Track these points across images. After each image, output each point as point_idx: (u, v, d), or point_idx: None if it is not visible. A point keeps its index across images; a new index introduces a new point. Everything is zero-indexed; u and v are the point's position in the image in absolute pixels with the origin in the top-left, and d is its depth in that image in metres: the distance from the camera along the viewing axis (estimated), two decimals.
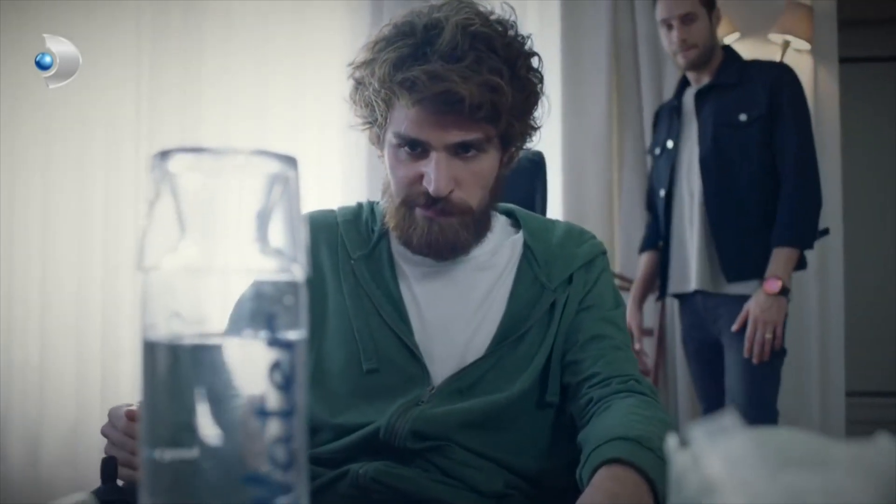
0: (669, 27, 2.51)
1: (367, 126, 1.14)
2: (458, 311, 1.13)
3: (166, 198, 0.42)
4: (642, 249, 2.78)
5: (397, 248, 1.17)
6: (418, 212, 1.10)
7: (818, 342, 3.40)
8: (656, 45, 3.24)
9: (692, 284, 2.52)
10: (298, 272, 0.43)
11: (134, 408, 0.94)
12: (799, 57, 3.38)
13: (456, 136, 1.05)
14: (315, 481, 1.06)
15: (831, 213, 3.19)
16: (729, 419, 0.34)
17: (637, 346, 2.65)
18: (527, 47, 1.10)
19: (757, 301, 2.35)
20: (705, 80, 2.54)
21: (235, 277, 0.42)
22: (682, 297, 2.64)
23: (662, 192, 2.60)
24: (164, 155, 0.42)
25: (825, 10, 3.47)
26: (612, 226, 3.43)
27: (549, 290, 1.14)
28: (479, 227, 1.14)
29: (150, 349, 0.41)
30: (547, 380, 1.11)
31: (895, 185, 4.86)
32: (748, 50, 3.03)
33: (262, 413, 0.41)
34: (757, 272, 2.40)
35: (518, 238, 1.20)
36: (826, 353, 3.41)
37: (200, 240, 0.42)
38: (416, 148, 1.07)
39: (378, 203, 1.22)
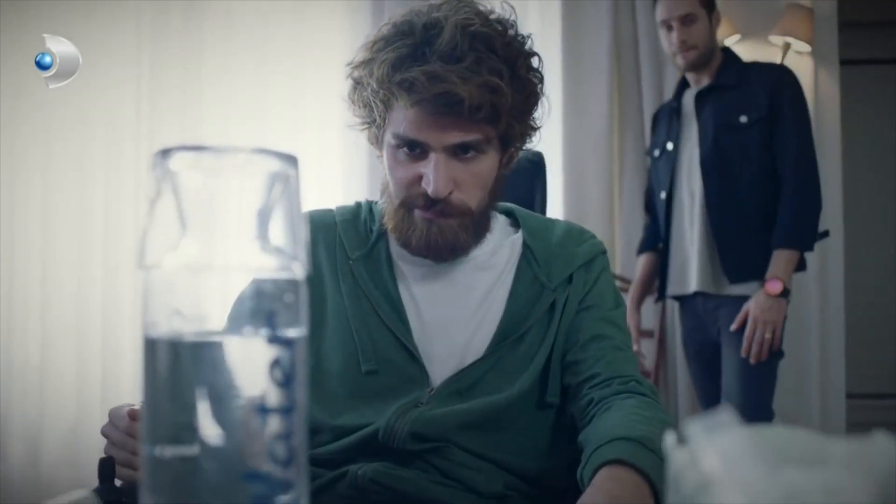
0: (669, 28, 2.51)
1: (366, 126, 1.13)
2: (457, 312, 1.13)
3: (167, 196, 0.42)
4: (640, 251, 2.79)
5: (396, 248, 1.16)
6: (417, 213, 1.09)
7: (818, 344, 3.40)
8: (657, 46, 3.24)
9: (692, 286, 2.52)
10: (299, 270, 0.43)
11: (136, 407, 0.93)
12: (799, 59, 3.38)
13: (455, 138, 1.05)
14: (314, 482, 1.05)
15: (832, 215, 3.19)
16: (726, 415, 0.34)
17: (635, 348, 2.65)
18: (527, 47, 1.09)
19: (757, 301, 2.36)
20: (705, 81, 2.54)
21: (236, 275, 0.42)
22: (682, 299, 2.64)
23: (663, 194, 2.61)
24: (166, 153, 0.42)
25: (825, 12, 3.47)
26: (612, 226, 3.44)
27: (549, 289, 1.13)
28: (478, 229, 1.13)
29: (151, 346, 0.42)
30: (547, 380, 1.11)
31: (895, 187, 4.86)
32: (749, 52, 3.04)
33: (263, 410, 0.41)
34: (757, 273, 2.40)
35: (517, 237, 1.19)
36: (826, 354, 3.41)
37: (201, 238, 0.42)
38: (414, 149, 1.06)
39: (377, 203, 1.21)
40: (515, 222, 1.23)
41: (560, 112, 3.38)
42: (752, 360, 2.36)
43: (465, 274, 1.15)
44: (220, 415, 0.41)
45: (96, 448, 0.99)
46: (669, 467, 0.38)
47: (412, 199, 1.09)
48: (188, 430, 0.40)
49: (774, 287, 2.34)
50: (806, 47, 3.40)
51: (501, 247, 1.18)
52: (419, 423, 1.04)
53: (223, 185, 0.43)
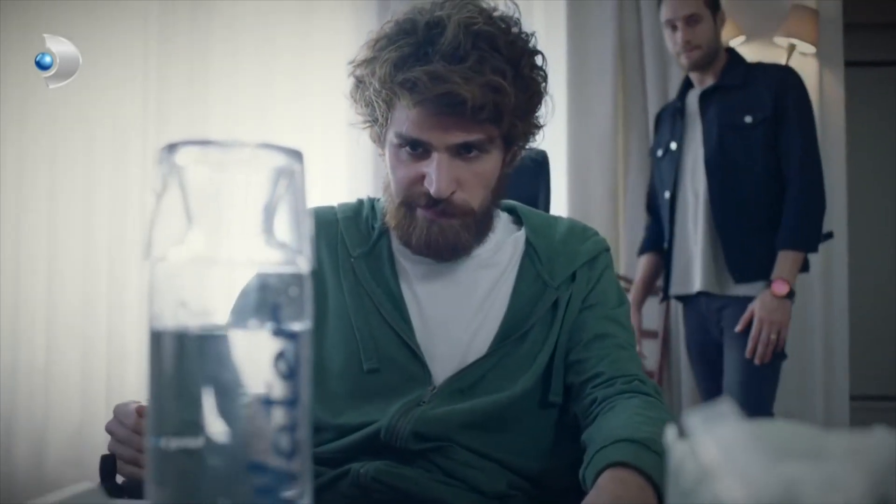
0: (674, 28, 2.51)
1: (368, 125, 1.13)
2: (459, 310, 1.12)
3: (174, 190, 0.42)
4: (641, 251, 2.79)
5: (398, 245, 1.16)
6: (419, 212, 1.08)
7: (822, 345, 3.40)
8: (662, 46, 3.24)
9: (696, 286, 2.52)
10: (303, 264, 0.44)
11: (144, 404, 0.93)
12: (804, 60, 3.38)
13: (458, 137, 1.04)
14: (316, 480, 1.05)
15: (836, 216, 3.19)
16: (725, 407, 0.34)
17: (637, 349, 2.65)
18: (531, 45, 1.08)
19: (763, 302, 2.36)
20: (709, 81, 2.54)
21: (241, 269, 0.43)
22: (686, 299, 2.64)
23: (667, 194, 2.60)
24: (172, 148, 0.42)
25: (831, 14, 3.47)
26: (616, 226, 3.44)
27: (552, 287, 1.13)
28: (480, 228, 1.12)
29: (157, 339, 0.42)
30: (550, 379, 1.10)
31: None
32: (754, 53, 3.04)
33: (267, 402, 0.41)
34: (762, 273, 2.40)
35: (520, 235, 1.19)
36: (830, 356, 3.41)
37: (207, 231, 0.42)
38: (417, 148, 1.06)
39: (379, 200, 1.21)
40: (518, 220, 1.22)
41: (565, 112, 3.38)
42: (756, 361, 2.36)
43: (468, 272, 1.14)
44: (225, 407, 0.41)
45: (101, 449, 0.98)
46: (669, 460, 0.38)
47: (414, 199, 1.08)
48: (193, 422, 0.41)
49: (780, 288, 2.34)
50: (811, 49, 3.39)
51: (504, 244, 1.17)
52: (421, 422, 1.04)
53: (229, 179, 0.43)
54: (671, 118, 2.66)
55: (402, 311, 1.12)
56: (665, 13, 2.54)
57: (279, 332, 0.42)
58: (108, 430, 0.96)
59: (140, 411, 0.93)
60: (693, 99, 2.58)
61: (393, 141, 1.08)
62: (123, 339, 3.24)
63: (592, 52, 3.45)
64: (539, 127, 1.14)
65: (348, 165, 3.38)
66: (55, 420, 3.19)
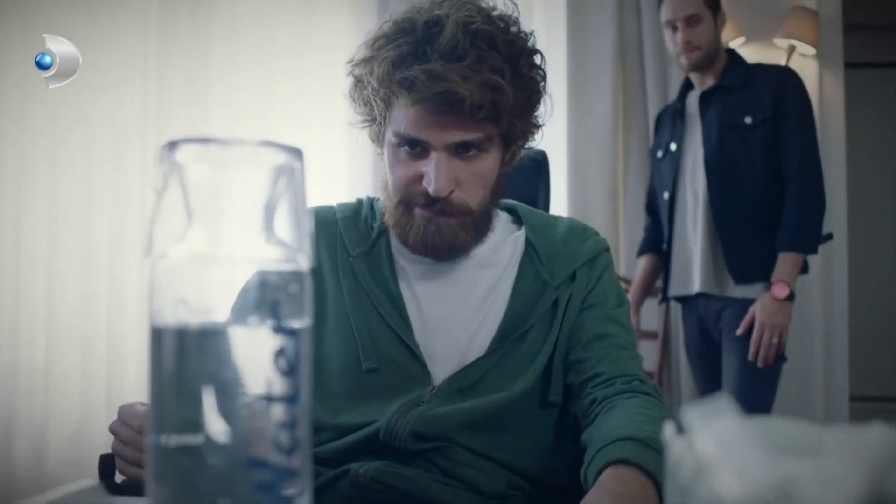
0: (674, 28, 2.51)
1: (367, 124, 1.13)
2: (458, 310, 1.12)
3: (174, 188, 0.43)
4: (641, 252, 2.79)
5: (397, 245, 1.16)
6: (417, 211, 1.08)
7: (822, 346, 3.40)
8: (662, 47, 3.24)
9: (695, 287, 2.51)
10: (303, 262, 0.44)
11: None
12: (804, 62, 3.38)
13: (456, 136, 1.04)
14: (315, 480, 1.05)
15: (836, 217, 3.19)
16: (723, 402, 0.34)
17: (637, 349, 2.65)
18: (529, 44, 1.08)
19: (763, 305, 2.35)
20: (709, 82, 2.54)
21: (241, 266, 0.43)
22: (685, 300, 2.64)
23: (666, 195, 2.60)
24: (173, 145, 0.43)
25: (831, 15, 3.47)
26: (616, 227, 3.44)
27: (552, 287, 1.13)
28: (478, 228, 1.12)
29: (157, 336, 0.42)
30: (549, 379, 1.10)
31: None
32: (753, 54, 3.04)
33: (267, 399, 0.41)
34: (761, 275, 2.40)
35: (520, 235, 1.18)
36: (830, 357, 3.41)
37: (207, 229, 0.42)
38: (415, 147, 1.06)
39: (378, 200, 1.21)
40: (518, 219, 1.22)
41: (565, 112, 3.38)
42: (759, 364, 2.35)
43: (467, 271, 1.14)
44: (225, 404, 0.41)
45: (101, 448, 0.98)
46: (668, 456, 0.38)
47: (412, 198, 1.08)
48: (193, 419, 0.41)
49: (781, 291, 2.33)
50: (811, 50, 3.40)
51: (504, 244, 1.17)
52: (420, 422, 1.04)
53: (229, 176, 0.43)
54: (671, 119, 2.66)
55: (401, 311, 1.12)
56: (665, 13, 2.54)
57: (279, 329, 0.42)
58: (113, 430, 0.95)
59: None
60: (693, 100, 2.58)
61: (391, 140, 1.08)
62: (123, 339, 3.24)
63: (592, 53, 3.45)
64: (538, 126, 1.14)
65: (348, 165, 3.38)
66: (55, 420, 3.19)
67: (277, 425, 0.41)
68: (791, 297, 2.35)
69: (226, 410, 0.41)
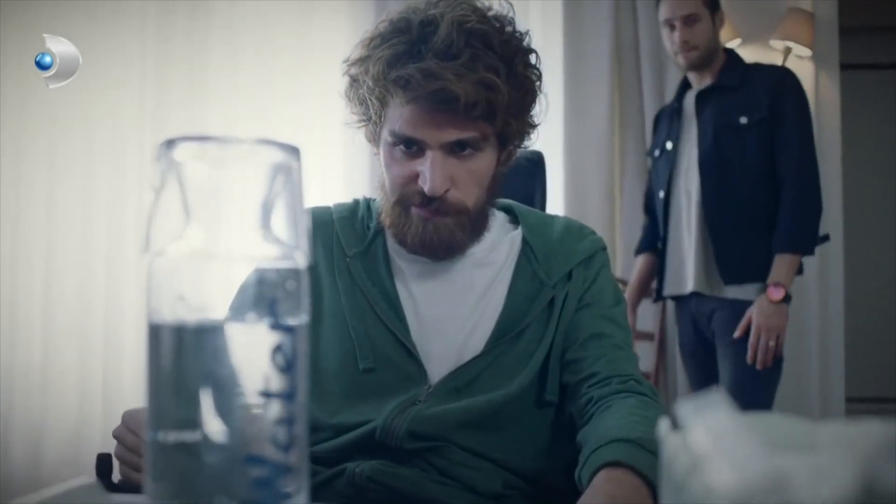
0: (672, 27, 2.51)
1: (363, 123, 1.13)
2: (455, 309, 1.12)
3: (172, 185, 0.43)
4: (639, 251, 2.78)
5: (393, 245, 1.16)
6: (414, 211, 1.08)
7: (818, 348, 3.41)
8: (658, 47, 3.25)
9: (688, 286, 2.51)
10: (300, 259, 0.44)
11: None
12: (800, 63, 3.39)
13: (451, 135, 1.04)
14: (312, 480, 1.05)
15: (832, 219, 3.20)
16: (716, 396, 0.34)
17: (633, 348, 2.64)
18: (525, 44, 1.08)
19: (759, 308, 2.34)
20: (707, 81, 2.54)
21: (239, 263, 0.43)
22: (679, 299, 2.64)
23: (661, 194, 2.60)
24: (170, 143, 0.43)
25: (826, 17, 3.48)
26: (613, 228, 3.44)
27: (548, 286, 1.13)
28: (475, 227, 1.12)
29: (155, 333, 0.42)
30: (546, 378, 1.10)
31: (895, 191, 4.87)
32: (749, 56, 3.04)
33: (264, 395, 0.41)
34: (754, 276, 2.40)
35: (517, 234, 1.19)
36: (826, 358, 3.42)
37: (205, 226, 0.43)
38: (411, 146, 1.06)
39: (375, 200, 1.21)
40: (515, 219, 1.22)
41: (561, 113, 3.39)
42: (758, 367, 2.35)
43: (464, 271, 1.14)
44: (223, 400, 0.41)
45: (98, 448, 0.98)
46: (662, 452, 0.38)
47: (409, 197, 1.08)
48: (191, 416, 0.41)
49: (777, 293, 2.32)
50: (807, 52, 3.40)
51: (500, 243, 1.17)
52: (417, 421, 1.04)
53: (227, 175, 0.44)
54: (668, 118, 2.66)
55: (398, 311, 1.12)
56: (663, 12, 2.53)
57: (276, 326, 0.42)
58: (117, 436, 0.95)
59: None
60: (690, 99, 2.58)
61: (387, 139, 1.08)
62: (121, 339, 3.24)
63: (589, 53, 3.45)
64: (533, 126, 1.14)
65: (347, 166, 3.39)
66: (52, 419, 3.19)
67: (275, 422, 0.42)
68: (787, 298, 2.34)
69: (223, 407, 0.41)
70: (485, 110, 1.03)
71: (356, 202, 1.24)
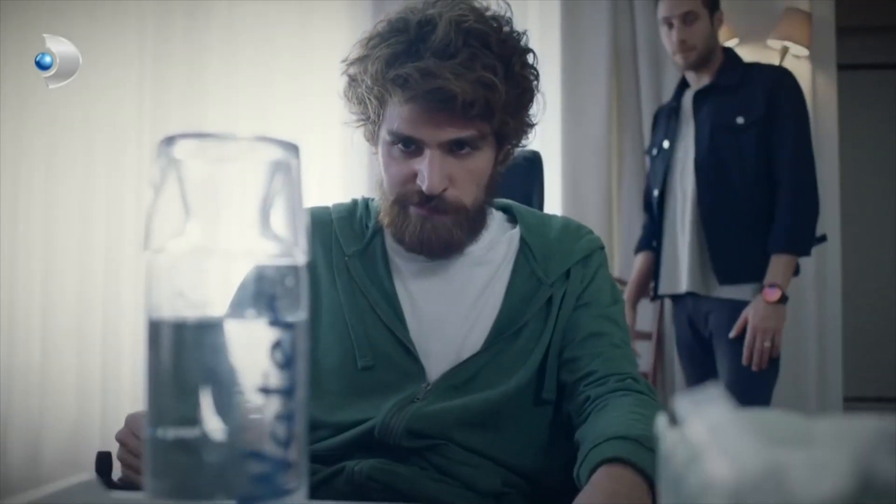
0: (670, 26, 2.50)
1: (361, 123, 1.13)
2: (453, 307, 1.13)
3: (171, 182, 0.43)
4: (638, 250, 2.78)
5: (392, 244, 1.16)
6: (412, 210, 1.09)
7: (816, 348, 3.41)
8: (656, 47, 3.25)
9: (683, 286, 2.51)
10: (299, 256, 0.44)
11: None
12: (797, 63, 3.39)
13: (449, 134, 1.05)
14: (311, 478, 1.05)
15: (829, 219, 3.20)
16: (714, 390, 0.34)
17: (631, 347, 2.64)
18: (522, 43, 1.09)
19: (756, 309, 2.34)
20: (705, 80, 2.53)
21: (238, 260, 0.43)
22: (675, 299, 2.64)
23: (656, 192, 2.60)
24: (170, 141, 0.43)
25: (824, 17, 3.48)
26: (611, 228, 3.45)
27: (546, 285, 1.13)
28: (473, 226, 1.13)
29: (155, 329, 0.42)
30: (544, 376, 1.10)
31: (893, 191, 4.87)
32: (747, 55, 3.03)
33: (264, 391, 0.42)
34: (749, 276, 2.40)
35: (515, 233, 1.19)
36: (824, 358, 3.42)
37: (205, 223, 0.43)
38: (409, 145, 1.07)
39: (373, 199, 1.21)
40: (513, 218, 1.22)
41: (559, 113, 3.39)
42: (754, 368, 2.34)
43: (462, 269, 1.15)
44: (222, 396, 0.41)
45: (96, 447, 0.98)
46: (660, 447, 0.38)
47: (407, 196, 1.09)
48: (190, 412, 0.41)
49: (773, 294, 2.32)
50: (804, 51, 3.41)
51: (498, 242, 1.18)
52: (415, 419, 1.04)
53: (226, 172, 0.44)
54: (666, 118, 2.65)
55: (397, 309, 1.12)
56: (662, 10, 2.53)
57: (276, 323, 0.42)
58: (120, 440, 0.95)
59: None
60: (688, 99, 2.57)
61: (385, 139, 1.09)
62: (119, 338, 3.23)
63: (586, 53, 3.46)
64: (531, 125, 1.15)
65: (344, 165, 3.39)
66: (51, 419, 3.18)
67: (274, 418, 0.42)
68: (784, 299, 2.34)
69: (223, 403, 0.41)
70: (483, 109, 1.03)
71: (354, 202, 1.25)
